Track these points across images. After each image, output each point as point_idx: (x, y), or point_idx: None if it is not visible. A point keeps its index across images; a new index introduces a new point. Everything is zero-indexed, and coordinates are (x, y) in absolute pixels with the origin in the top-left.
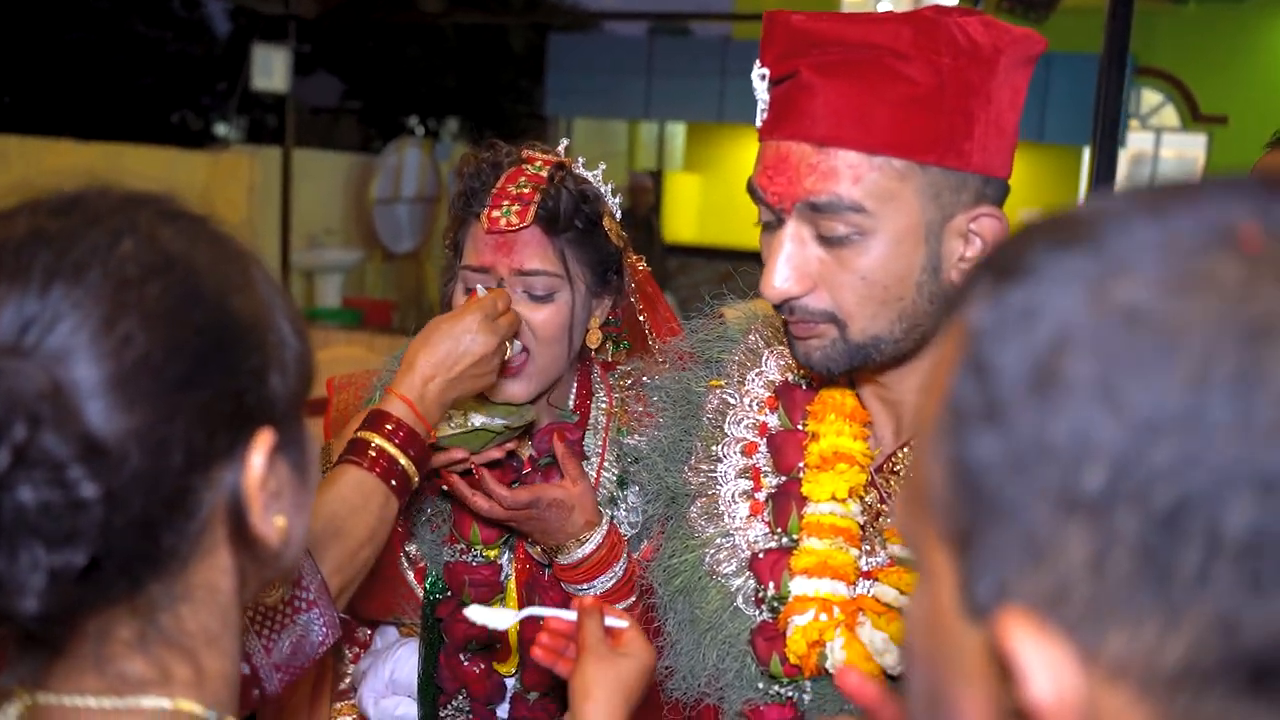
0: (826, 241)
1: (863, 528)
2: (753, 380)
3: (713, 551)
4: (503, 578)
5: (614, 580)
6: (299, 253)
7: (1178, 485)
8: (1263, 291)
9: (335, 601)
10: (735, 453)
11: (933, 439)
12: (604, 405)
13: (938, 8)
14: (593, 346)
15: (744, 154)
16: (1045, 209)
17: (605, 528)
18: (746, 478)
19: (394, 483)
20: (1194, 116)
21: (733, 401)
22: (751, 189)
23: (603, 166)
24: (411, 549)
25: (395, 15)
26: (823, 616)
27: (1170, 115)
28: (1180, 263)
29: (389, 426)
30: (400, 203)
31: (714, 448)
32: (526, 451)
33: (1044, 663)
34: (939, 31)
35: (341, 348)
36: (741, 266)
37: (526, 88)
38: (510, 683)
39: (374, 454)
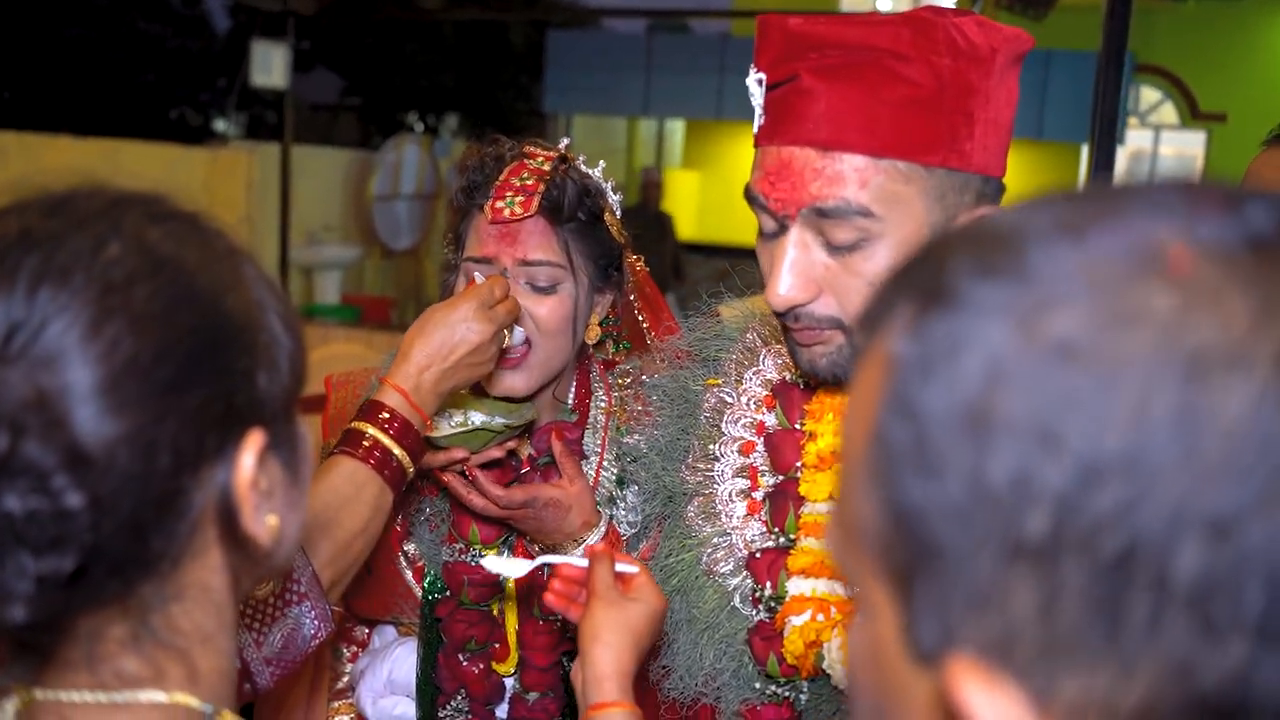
0: (832, 247)
1: None
2: (750, 379)
3: (710, 551)
4: (501, 577)
5: None
6: (298, 249)
7: (1124, 530)
8: (1198, 321)
9: (328, 594)
10: (733, 452)
11: (862, 475)
12: (603, 404)
13: (934, 8)
14: (591, 342)
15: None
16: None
17: (603, 528)
18: (744, 477)
19: (388, 474)
20: (1193, 114)
21: (730, 400)
22: (751, 196)
23: (603, 164)
24: (410, 548)
25: (394, 12)
26: (820, 617)
27: (1169, 113)
28: (1110, 292)
29: (383, 416)
30: (399, 199)
31: (711, 447)
32: (526, 450)
33: (995, 713)
34: (937, 32)
35: (340, 344)
36: (739, 264)
37: (525, 84)
38: (509, 683)
39: (368, 445)
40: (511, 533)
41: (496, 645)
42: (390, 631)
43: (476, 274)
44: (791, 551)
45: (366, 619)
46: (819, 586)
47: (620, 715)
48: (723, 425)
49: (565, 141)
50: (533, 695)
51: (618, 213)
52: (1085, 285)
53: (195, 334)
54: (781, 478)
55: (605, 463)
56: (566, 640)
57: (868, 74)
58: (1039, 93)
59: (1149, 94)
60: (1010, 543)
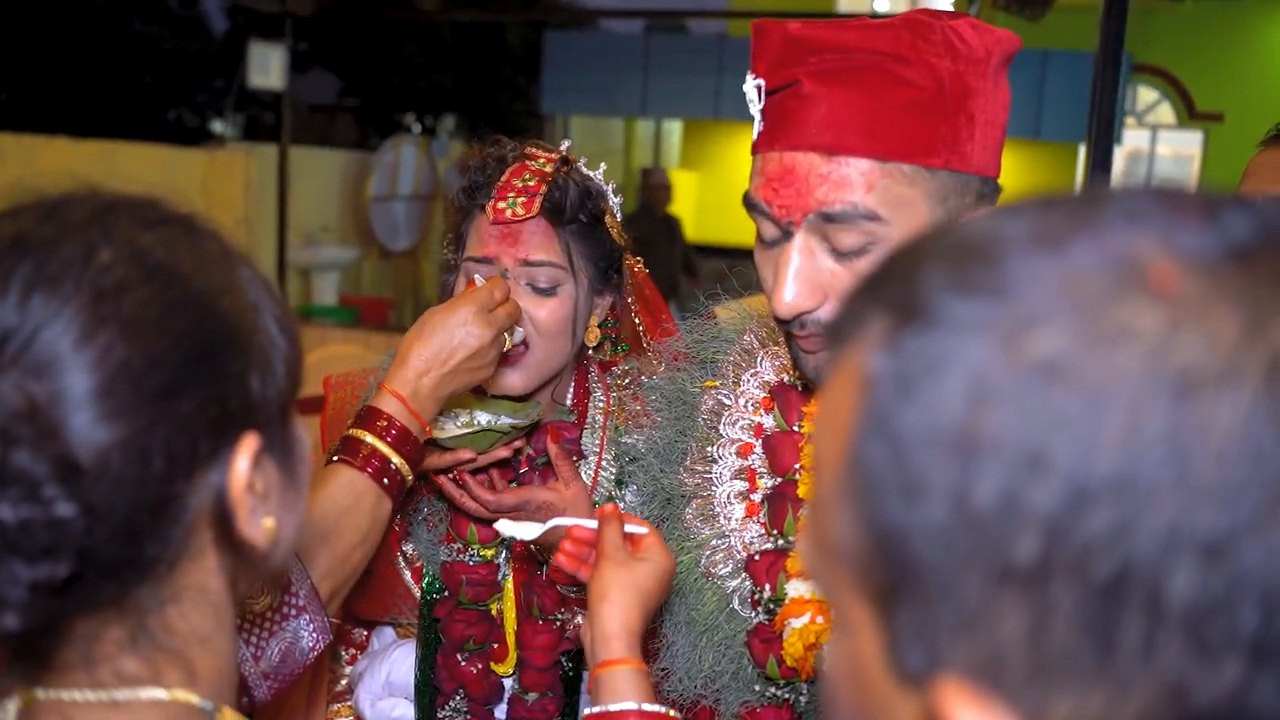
0: (837, 253)
1: None
2: (748, 381)
3: (708, 553)
4: (500, 577)
5: None
6: (295, 250)
7: (1117, 553)
8: (1185, 339)
9: (326, 606)
10: (731, 454)
11: (838, 493)
12: (601, 404)
13: (929, 11)
14: (591, 344)
15: (740, 151)
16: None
17: None
18: (742, 479)
19: (386, 482)
20: (1190, 114)
21: (728, 402)
22: (751, 203)
23: (604, 166)
24: (408, 549)
25: (392, 13)
26: (819, 619)
27: (1166, 112)
28: (1094, 310)
29: (381, 424)
30: (397, 200)
31: (709, 449)
32: (525, 451)
33: None
34: (935, 35)
35: (338, 345)
36: (737, 265)
37: (523, 85)
38: (508, 683)
39: (366, 453)
40: None
41: (495, 645)
42: (389, 633)
43: (477, 276)
44: (790, 554)
45: (365, 621)
46: (818, 589)
47: (627, 672)
48: (720, 427)
49: (567, 143)
50: (532, 695)
51: (618, 215)
52: (1067, 302)
53: (188, 339)
54: (780, 480)
55: (604, 463)
56: (566, 640)
57: (869, 77)
58: (1036, 93)
59: (1146, 94)
60: (999, 565)
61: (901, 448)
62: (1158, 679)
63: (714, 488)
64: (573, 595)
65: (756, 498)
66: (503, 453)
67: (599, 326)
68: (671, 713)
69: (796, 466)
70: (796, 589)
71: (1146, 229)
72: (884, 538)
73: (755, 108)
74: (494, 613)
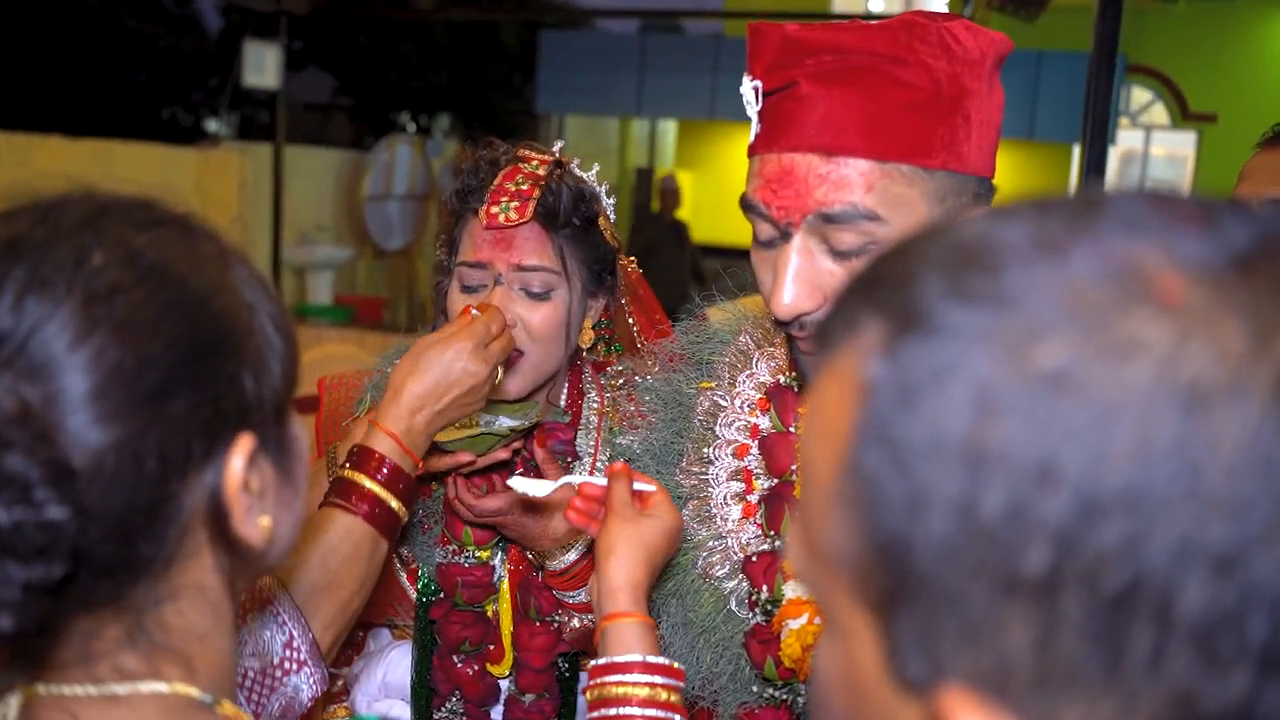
0: (836, 253)
1: None
2: (743, 382)
3: (705, 554)
4: (495, 579)
5: None
6: (290, 250)
7: (1128, 566)
8: (1193, 351)
9: (327, 655)
10: (727, 455)
11: (834, 501)
12: (596, 405)
13: (924, 12)
14: (585, 346)
15: (736, 151)
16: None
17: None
18: (738, 480)
19: (381, 524)
20: (1183, 114)
21: (724, 403)
22: (749, 205)
23: (597, 167)
24: (404, 550)
25: (387, 12)
26: (817, 620)
27: (1160, 113)
28: (1100, 322)
29: (375, 465)
30: (392, 200)
31: (705, 450)
32: (522, 452)
33: None
34: (930, 36)
35: (333, 345)
36: (732, 265)
37: (518, 84)
38: (504, 684)
39: (360, 496)
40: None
41: (491, 647)
42: (385, 635)
43: (474, 309)
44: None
45: (361, 622)
46: (809, 592)
47: (632, 624)
48: (716, 428)
49: (559, 144)
50: (528, 697)
51: (612, 216)
52: (1072, 313)
53: (181, 341)
54: (776, 480)
55: (598, 464)
56: (562, 642)
57: (866, 78)
58: (1030, 93)
59: (1140, 94)
60: (1006, 576)
61: (904, 457)
62: (1166, 689)
63: (710, 489)
64: (569, 600)
65: (753, 499)
66: (502, 455)
67: (592, 328)
68: (676, 665)
69: (793, 467)
70: (794, 590)
71: (1148, 237)
72: (885, 546)
73: (753, 110)
74: (490, 614)
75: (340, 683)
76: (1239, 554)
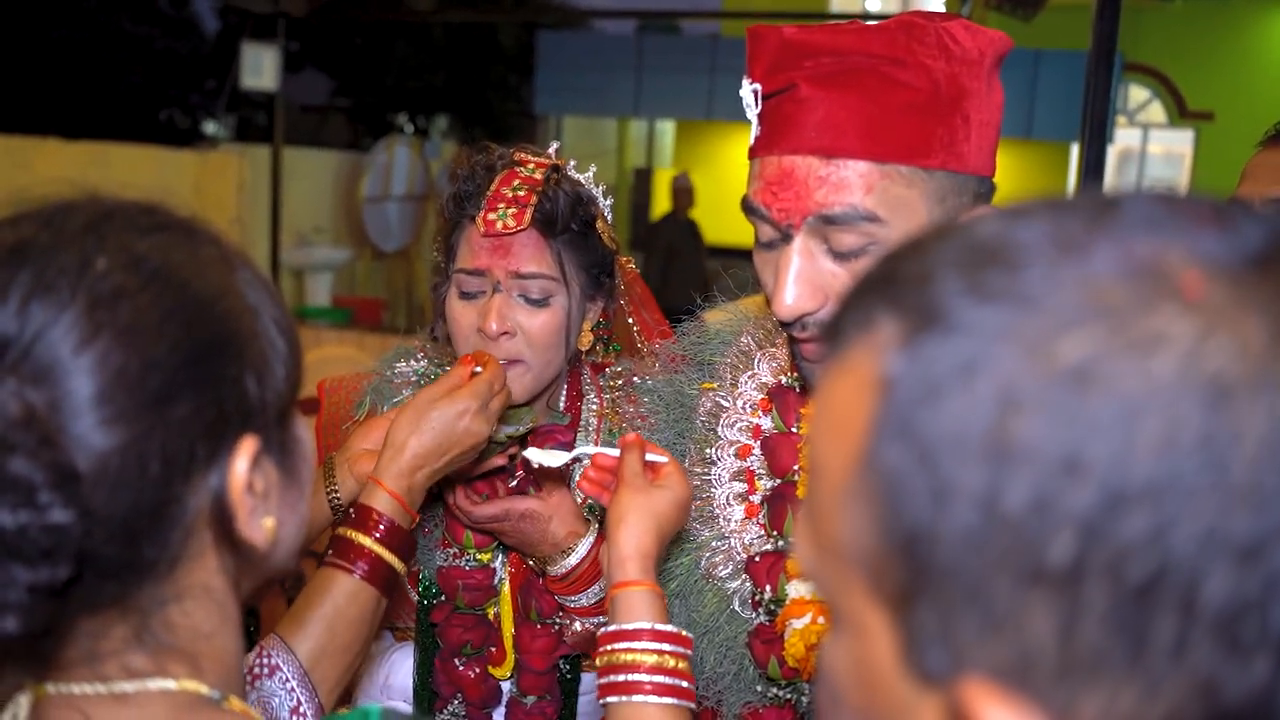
0: (837, 254)
1: None
2: (745, 383)
3: (708, 555)
4: (496, 581)
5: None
6: (288, 251)
7: (1153, 556)
8: (1217, 345)
9: (325, 709)
10: (729, 455)
11: (849, 496)
12: (595, 406)
13: (922, 13)
14: (584, 349)
15: (733, 151)
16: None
17: (592, 538)
18: (741, 480)
19: (381, 582)
20: (1181, 113)
21: (725, 404)
22: (750, 207)
23: (594, 169)
24: None
25: (384, 13)
26: (820, 620)
27: (1157, 111)
28: (1124, 318)
29: (374, 522)
30: (390, 201)
31: (708, 450)
32: (520, 456)
33: None
34: (929, 37)
35: (332, 347)
36: (731, 265)
37: (515, 85)
38: (506, 687)
39: (363, 556)
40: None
41: (492, 649)
42: (387, 637)
43: (476, 367)
44: (791, 554)
45: None
46: (818, 590)
47: (640, 593)
48: (718, 429)
49: (555, 145)
50: (530, 699)
51: (609, 217)
52: (1095, 310)
53: (185, 344)
54: (779, 481)
55: None
56: (563, 644)
57: (865, 80)
58: (1028, 92)
59: (1137, 93)
60: (1030, 568)
61: (927, 452)
62: (1189, 677)
63: (713, 489)
64: (570, 604)
65: (756, 499)
66: (498, 461)
67: (591, 330)
68: (684, 632)
69: (795, 468)
70: (797, 590)
71: (1167, 236)
72: (906, 540)
73: (752, 112)
74: (491, 617)
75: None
76: (1262, 543)
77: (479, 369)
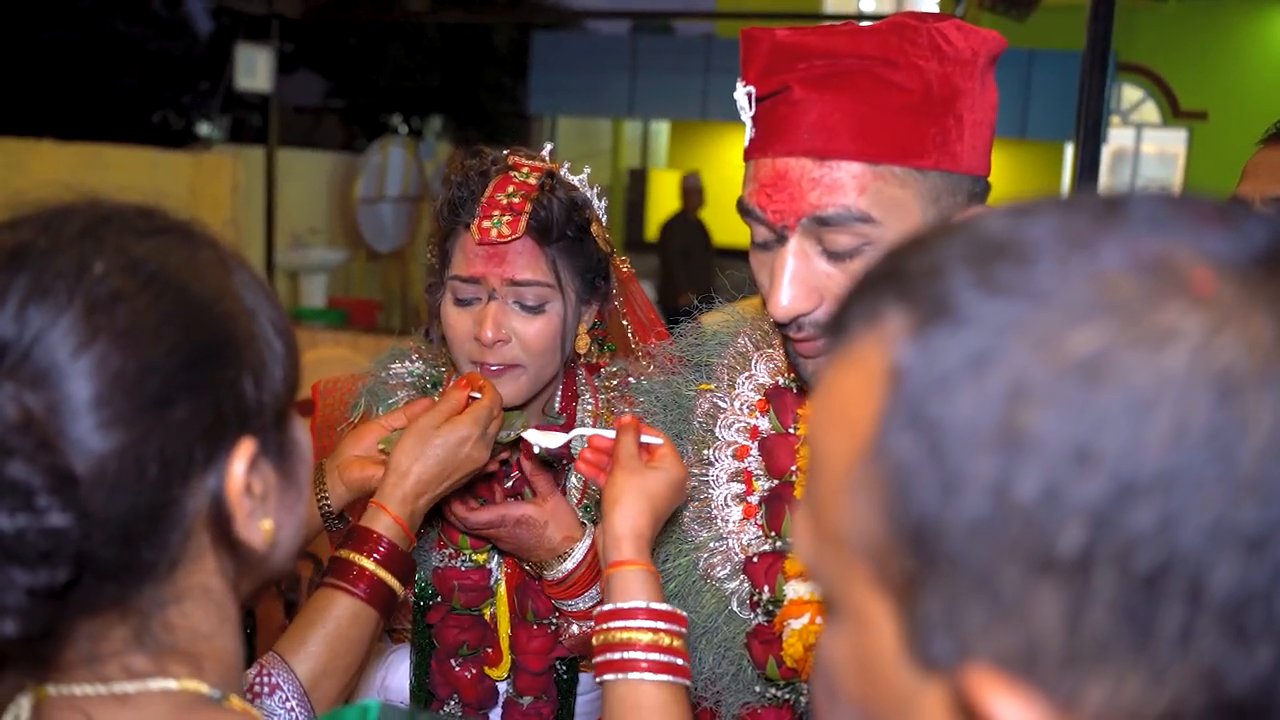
0: (832, 255)
1: None
2: (743, 384)
3: (706, 555)
4: (492, 582)
5: None
6: (283, 253)
7: (1162, 546)
8: (1226, 341)
9: None
10: (727, 456)
11: (853, 485)
12: (590, 407)
13: (914, 14)
14: (581, 352)
15: (728, 151)
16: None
17: (587, 542)
18: (738, 481)
19: (380, 603)
20: (1174, 112)
21: (723, 405)
22: (746, 209)
23: (588, 170)
24: None
25: (378, 14)
26: (819, 620)
27: (1151, 111)
28: (1135, 312)
29: (374, 545)
30: (384, 202)
31: (705, 451)
32: (512, 458)
33: (1021, 719)
34: (921, 38)
35: (327, 348)
36: (727, 265)
37: (510, 86)
38: (503, 687)
39: (363, 578)
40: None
41: (489, 650)
42: (384, 638)
43: (473, 393)
44: (788, 555)
45: None
46: (817, 589)
47: (636, 572)
48: (716, 430)
49: (549, 147)
50: (526, 699)
51: (604, 218)
52: (1105, 304)
53: (183, 347)
54: (776, 482)
55: None
56: (560, 645)
57: (858, 81)
58: (1022, 92)
59: (1130, 92)
60: (1039, 556)
61: (938, 442)
62: (1194, 665)
63: (711, 490)
64: (566, 607)
65: (753, 500)
66: (490, 467)
67: (587, 332)
68: (679, 611)
69: (793, 468)
70: (795, 590)
71: (1176, 234)
72: (914, 528)
73: (746, 115)
74: (487, 617)
75: None
76: (1269, 534)
77: (476, 394)
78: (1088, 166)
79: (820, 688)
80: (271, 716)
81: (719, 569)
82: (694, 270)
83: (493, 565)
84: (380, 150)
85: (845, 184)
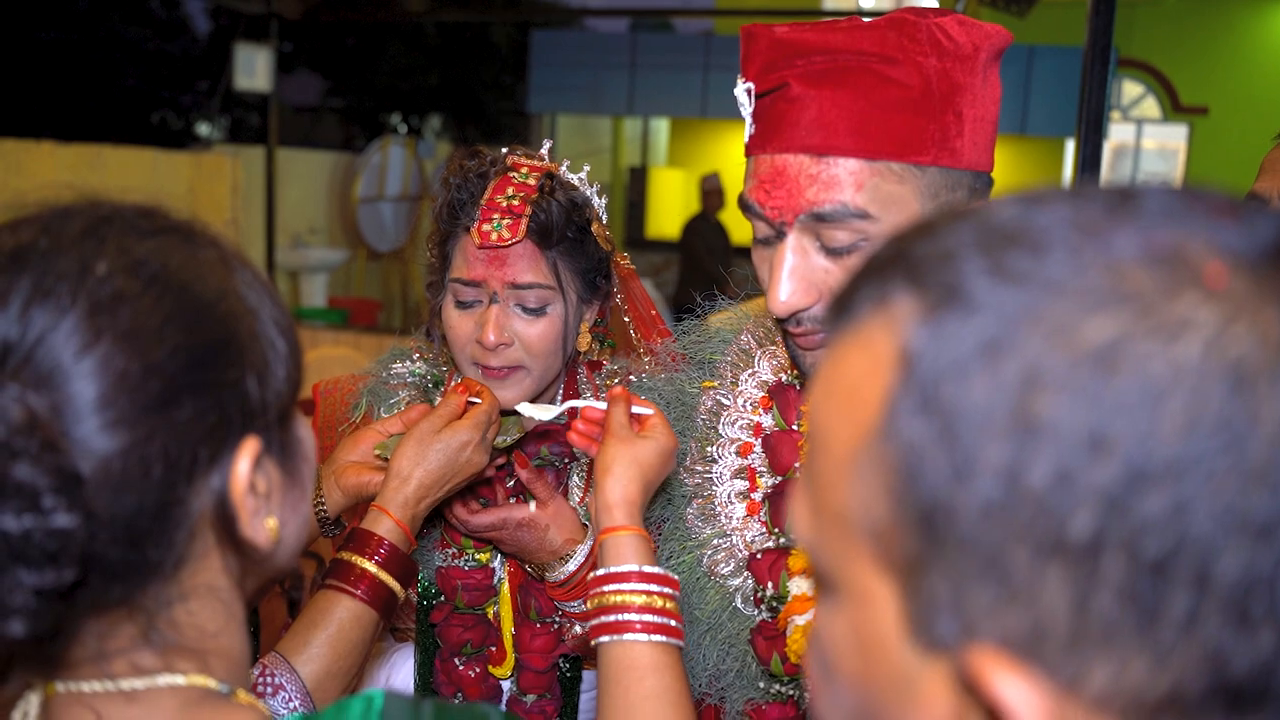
0: (830, 250)
1: None
2: (746, 381)
3: (710, 552)
4: (495, 581)
5: None
6: (283, 253)
7: (1172, 533)
8: (1239, 332)
9: None
10: (730, 453)
11: (859, 466)
12: None
13: (915, 9)
14: (583, 350)
15: (728, 148)
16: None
17: (589, 544)
18: (742, 478)
19: (381, 605)
20: (1175, 107)
21: (726, 402)
22: (746, 205)
23: (588, 168)
24: None
25: (377, 13)
26: None
27: (1151, 106)
28: (1149, 303)
29: (375, 547)
30: (384, 201)
31: (709, 449)
32: (509, 463)
33: (1025, 700)
34: (921, 33)
35: (328, 348)
36: (738, 265)
37: (509, 84)
38: (506, 686)
39: (365, 580)
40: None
41: (492, 649)
42: (387, 637)
43: (472, 398)
44: (793, 551)
45: None
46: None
47: (628, 537)
48: (719, 427)
49: (548, 144)
50: (530, 698)
51: (604, 217)
52: (1119, 294)
53: (185, 348)
54: (780, 478)
55: None
56: (563, 644)
57: (856, 78)
58: (1023, 88)
59: (1131, 88)
60: (1049, 540)
61: (950, 425)
62: (1198, 649)
63: (714, 487)
64: (568, 608)
65: (757, 496)
66: (488, 471)
67: (589, 330)
68: (671, 575)
69: (796, 465)
70: (799, 586)
71: (1189, 227)
72: (923, 510)
73: (746, 111)
74: (490, 616)
75: None
76: (1277, 522)
77: (475, 399)
78: (1089, 162)
79: (815, 666)
80: (274, 717)
81: (723, 566)
82: (715, 271)
83: (496, 564)
84: (380, 150)
85: (843, 180)
